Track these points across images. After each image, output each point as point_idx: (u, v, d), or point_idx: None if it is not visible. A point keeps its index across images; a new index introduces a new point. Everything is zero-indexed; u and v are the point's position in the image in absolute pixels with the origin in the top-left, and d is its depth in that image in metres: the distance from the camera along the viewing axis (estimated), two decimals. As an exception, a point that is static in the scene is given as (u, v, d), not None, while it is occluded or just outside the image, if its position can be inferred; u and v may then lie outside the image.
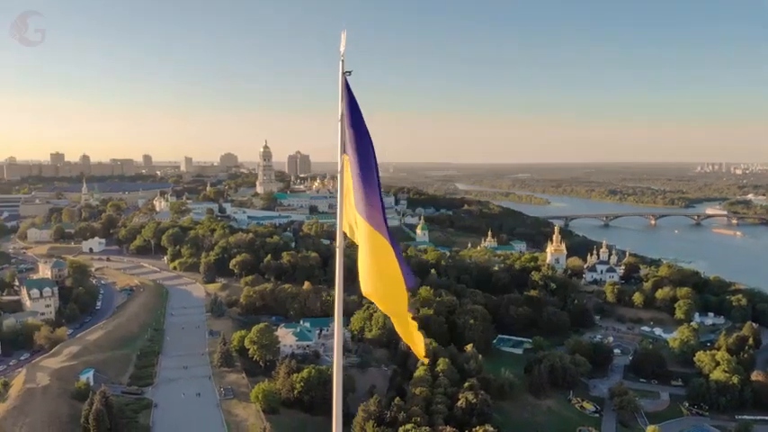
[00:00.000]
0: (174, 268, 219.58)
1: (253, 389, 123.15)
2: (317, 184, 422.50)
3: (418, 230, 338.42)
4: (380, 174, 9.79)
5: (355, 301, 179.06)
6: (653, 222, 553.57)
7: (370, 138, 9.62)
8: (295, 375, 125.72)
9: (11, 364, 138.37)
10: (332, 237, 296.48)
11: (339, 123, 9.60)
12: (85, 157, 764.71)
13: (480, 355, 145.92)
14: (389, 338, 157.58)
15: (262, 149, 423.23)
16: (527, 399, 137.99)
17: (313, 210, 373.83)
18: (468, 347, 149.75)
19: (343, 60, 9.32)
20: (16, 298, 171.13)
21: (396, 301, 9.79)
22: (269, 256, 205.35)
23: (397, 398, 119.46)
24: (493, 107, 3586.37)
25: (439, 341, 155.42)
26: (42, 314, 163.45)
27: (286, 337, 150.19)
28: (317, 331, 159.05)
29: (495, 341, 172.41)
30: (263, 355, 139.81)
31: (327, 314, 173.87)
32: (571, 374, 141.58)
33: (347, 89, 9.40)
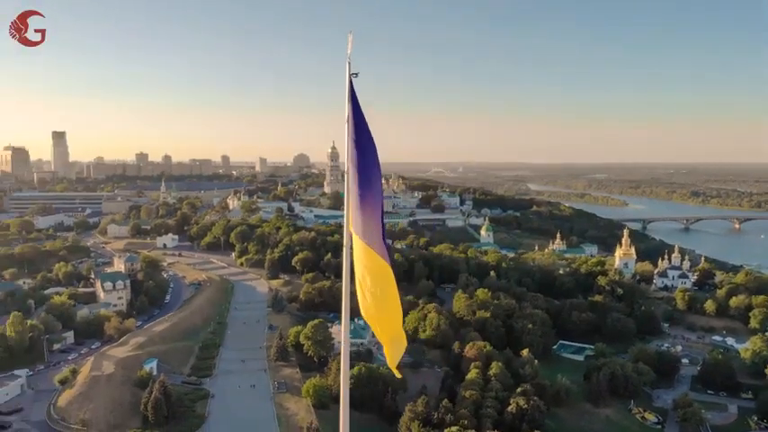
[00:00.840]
0: (241, 264, 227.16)
1: (305, 384, 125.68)
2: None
3: (483, 232, 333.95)
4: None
5: (410, 300, 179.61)
6: (737, 226, 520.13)
7: (373, 144, 9.39)
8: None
9: (82, 352, 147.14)
10: (394, 236, 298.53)
11: (346, 126, 9.46)
12: (167, 158, 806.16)
13: (536, 361, 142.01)
14: (444, 340, 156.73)
15: (329, 150, 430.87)
16: (584, 407, 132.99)
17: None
18: (525, 352, 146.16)
19: (349, 62, 9.28)
20: (91, 290, 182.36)
21: (394, 326, 9.77)
22: (329, 254, 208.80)
23: (446, 400, 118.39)
24: (566, 106, 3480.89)
25: (495, 345, 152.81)
26: (114, 306, 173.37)
27: (340, 335, 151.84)
28: (371, 329, 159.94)
29: (555, 347, 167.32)
30: (317, 350, 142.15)
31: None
32: (633, 383, 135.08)
33: (352, 92, 9.30)
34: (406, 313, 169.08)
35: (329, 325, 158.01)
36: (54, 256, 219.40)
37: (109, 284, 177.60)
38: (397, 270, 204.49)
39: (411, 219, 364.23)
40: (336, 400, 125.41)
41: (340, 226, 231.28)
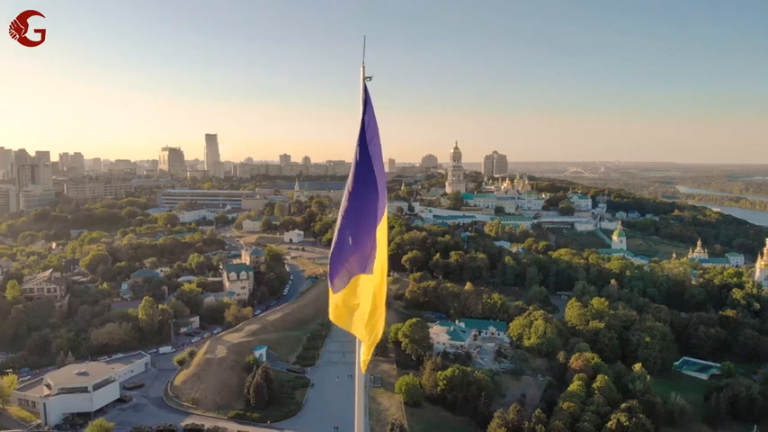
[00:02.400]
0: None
1: (398, 380, 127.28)
2: (505, 184, 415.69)
3: (614, 237, 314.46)
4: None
5: (519, 306, 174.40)
6: None
7: (379, 149, 9.34)
8: (439, 373, 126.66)
9: (204, 336, 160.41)
10: (513, 238, 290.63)
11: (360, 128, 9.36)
12: (306, 159, 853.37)
13: (649, 376, 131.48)
14: (550, 349, 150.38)
15: (452, 150, 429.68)
16: (700, 429, 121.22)
17: (499, 210, 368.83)
18: (637, 366, 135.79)
19: (364, 66, 9.34)
20: (219, 279, 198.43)
21: (379, 331, 9.96)
22: (438, 254, 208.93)
23: (539, 410, 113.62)
24: (721, 101, 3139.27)
25: (606, 357, 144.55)
26: (238, 295, 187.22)
27: (440, 335, 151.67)
28: (473, 333, 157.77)
29: (677, 363, 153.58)
30: (415, 349, 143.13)
31: (488, 316, 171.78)
32: (758, 407, 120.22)
33: (366, 96, 9.27)
34: (510, 319, 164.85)
35: (430, 325, 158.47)
36: (191, 248, 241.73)
37: (234, 275, 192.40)
38: (492, 274, 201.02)
39: (535, 221, 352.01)
40: (430, 399, 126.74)
41: (459, 226, 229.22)
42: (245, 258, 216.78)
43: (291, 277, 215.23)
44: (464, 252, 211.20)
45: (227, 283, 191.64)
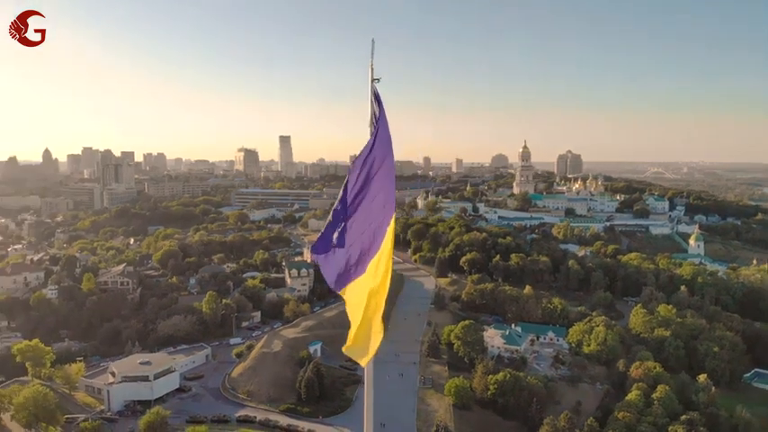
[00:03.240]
0: (415, 261, 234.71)
1: (448, 382, 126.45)
2: (577, 185, 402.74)
3: (691, 241, 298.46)
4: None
5: (580, 311, 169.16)
6: None
7: (391, 151, 9.37)
8: (490, 376, 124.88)
9: (265, 330, 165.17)
10: (583, 241, 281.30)
11: (369, 130, 9.61)
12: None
13: (714, 388, 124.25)
14: (609, 356, 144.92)
15: (521, 150, 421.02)
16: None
17: (569, 212, 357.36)
18: (702, 377, 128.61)
19: (372, 68, 9.41)
20: (281, 275, 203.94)
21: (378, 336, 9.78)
22: (498, 256, 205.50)
23: (591, 418, 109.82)
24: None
25: (671, 367, 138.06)
26: (298, 291, 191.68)
27: (494, 339, 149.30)
28: (530, 337, 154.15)
29: (748, 375, 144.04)
30: (467, 351, 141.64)
31: (547, 321, 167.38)
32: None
33: (377, 97, 9.29)
34: (571, 324, 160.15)
35: (485, 328, 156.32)
36: (258, 245, 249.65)
37: (294, 272, 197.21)
38: (555, 278, 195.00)
39: (607, 224, 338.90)
40: (480, 402, 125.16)
41: (522, 228, 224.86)
42: (307, 256, 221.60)
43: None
44: (525, 255, 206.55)
45: (288, 280, 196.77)
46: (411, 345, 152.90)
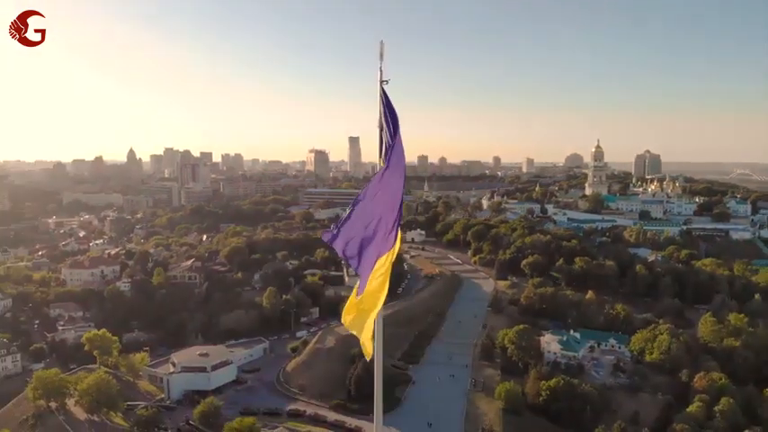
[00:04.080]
0: (475, 262, 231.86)
1: (498, 386, 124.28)
2: (653, 186, 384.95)
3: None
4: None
5: (645, 319, 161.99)
6: None
7: (402, 151, 9.65)
8: (543, 382, 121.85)
9: (322, 327, 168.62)
10: (656, 245, 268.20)
11: (378, 132, 9.89)
12: (442, 159, 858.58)
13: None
14: (673, 365, 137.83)
15: (593, 149, 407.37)
16: None
17: (644, 215, 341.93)
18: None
19: (381, 70, 9.51)
20: (340, 273, 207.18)
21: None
22: (561, 259, 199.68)
23: (646, 429, 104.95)
24: None
25: (739, 379, 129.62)
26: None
27: (551, 344, 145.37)
28: (589, 344, 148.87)
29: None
30: (521, 356, 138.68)
31: (609, 328, 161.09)
32: None
33: (385, 99, 9.50)
34: (634, 331, 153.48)
35: (543, 333, 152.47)
36: (321, 243, 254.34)
37: (352, 270, 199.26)
38: (621, 283, 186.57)
39: (684, 227, 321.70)
40: (533, 408, 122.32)
41: (592, 231, 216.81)
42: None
43: (408, 276, 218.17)
44: (590, 258, 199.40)
45: (346, 278, 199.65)
46: (465, 347, 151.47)
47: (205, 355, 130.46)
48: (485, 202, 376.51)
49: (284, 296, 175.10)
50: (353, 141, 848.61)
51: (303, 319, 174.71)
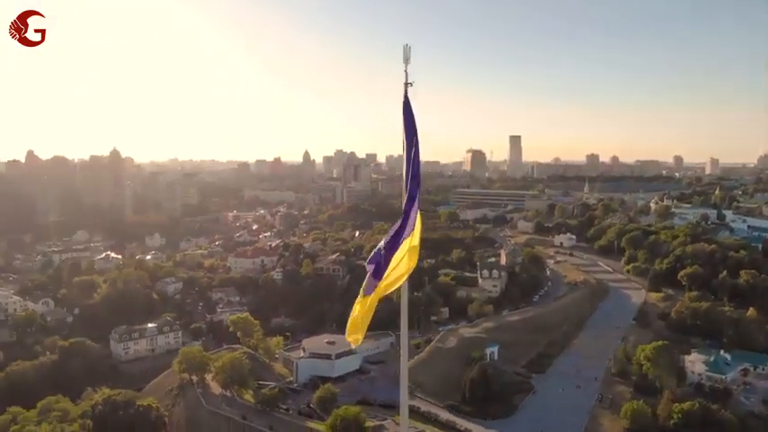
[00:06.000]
0: (627, 271, 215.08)
1: (625, 404, 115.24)
2: None
3: None
4: None
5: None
6: None
7: (417, 150, 10.09)
8: (676, 405, 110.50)
9: (450, 327, 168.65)
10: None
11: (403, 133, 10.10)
12: (614, 158, 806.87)
13: None
14: None
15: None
16: None
17: None
18: None
19: (406, 72, 9.92)
20: (475, 275, 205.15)
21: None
22: (725, 271, 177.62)
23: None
24: None
25: None
26: (489, 292, 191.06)
27: (695, 364, 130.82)
28: (742, 367, 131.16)
29: None
30: (658, 374, 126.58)
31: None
32: None
33: (406, 101, 9.90)
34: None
35: (692, 351, 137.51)
36: (461, 243, 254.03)
37: (486, 272, 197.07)
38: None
39: None
40: (661, 431, 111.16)
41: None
42: (503, 258, 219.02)
43: (549, 282, 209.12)
44: (758, 272, 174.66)
45: (480, 280, 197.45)
46: (597, 360, 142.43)
47: (332, 343, 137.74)
48: (652, 206, 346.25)
49: (415, 293, 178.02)
50: (514, 140, 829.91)
51: (433, 318, 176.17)
